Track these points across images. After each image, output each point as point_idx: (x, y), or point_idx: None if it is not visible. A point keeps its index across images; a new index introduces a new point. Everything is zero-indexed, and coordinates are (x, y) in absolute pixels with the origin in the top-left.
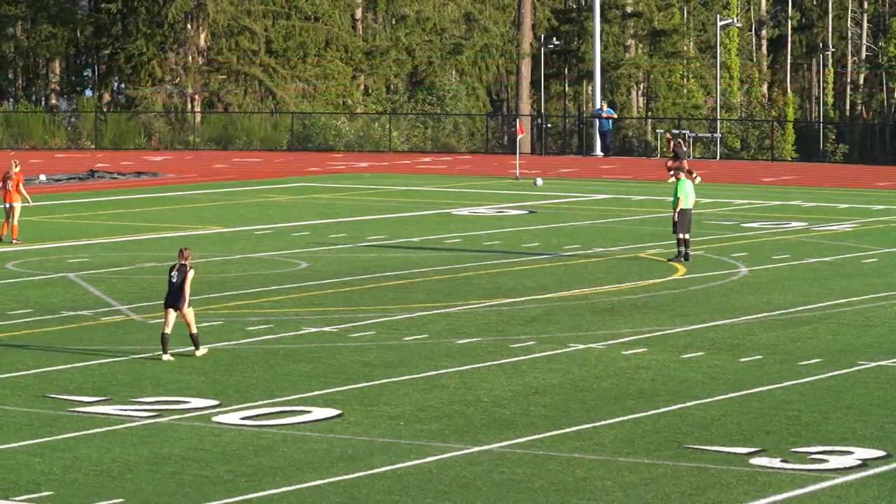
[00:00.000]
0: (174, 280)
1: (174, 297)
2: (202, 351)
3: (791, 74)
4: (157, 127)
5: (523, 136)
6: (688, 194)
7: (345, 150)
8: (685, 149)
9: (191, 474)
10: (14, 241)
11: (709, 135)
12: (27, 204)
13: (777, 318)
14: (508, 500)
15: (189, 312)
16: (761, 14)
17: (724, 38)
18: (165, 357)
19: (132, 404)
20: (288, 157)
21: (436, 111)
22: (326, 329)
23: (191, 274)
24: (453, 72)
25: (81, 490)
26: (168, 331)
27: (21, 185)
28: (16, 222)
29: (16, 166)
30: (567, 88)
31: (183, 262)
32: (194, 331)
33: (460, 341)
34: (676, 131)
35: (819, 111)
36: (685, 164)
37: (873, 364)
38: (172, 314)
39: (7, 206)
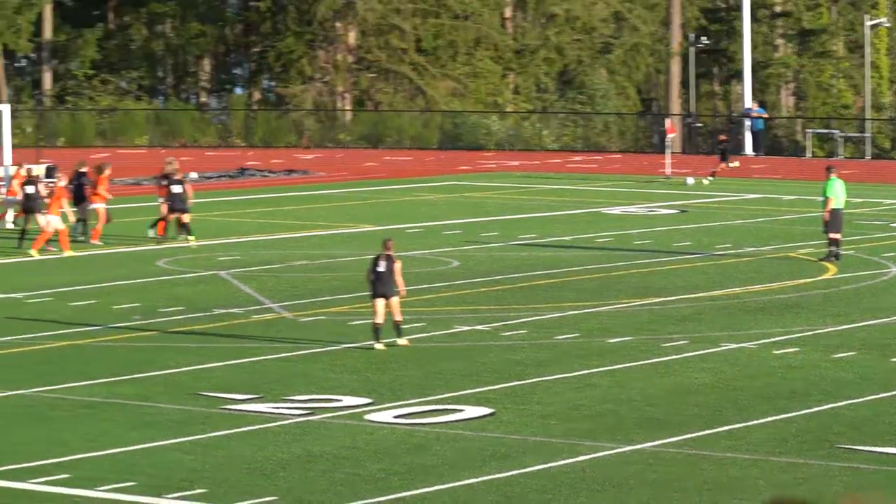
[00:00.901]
0: (381, 270)
1: (384, 287)
2: (403, 341)
3: None
4: (308, 125)
5: (673, 136)
6: (837, 194)
7: (495, 149)
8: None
9: (343, 472)
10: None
11: (858, 135)
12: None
13: None
14: (661, 500)
15: (396, 301)
16: None
17: (873, 37)
18: (378, 346)
19: (284, 402)
20: (438, 155)
21: (586, 110)
22: (478, 328)
23: (398, 263)
24: (603, 71)
25: (234, 488)
26: (380, 321)
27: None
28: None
29: (172, 163)
30: (717, 88)
31: (388, 253)
32: (399, 318)
33: (612, 340)
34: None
35: None
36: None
37: None
38: (382, 303)
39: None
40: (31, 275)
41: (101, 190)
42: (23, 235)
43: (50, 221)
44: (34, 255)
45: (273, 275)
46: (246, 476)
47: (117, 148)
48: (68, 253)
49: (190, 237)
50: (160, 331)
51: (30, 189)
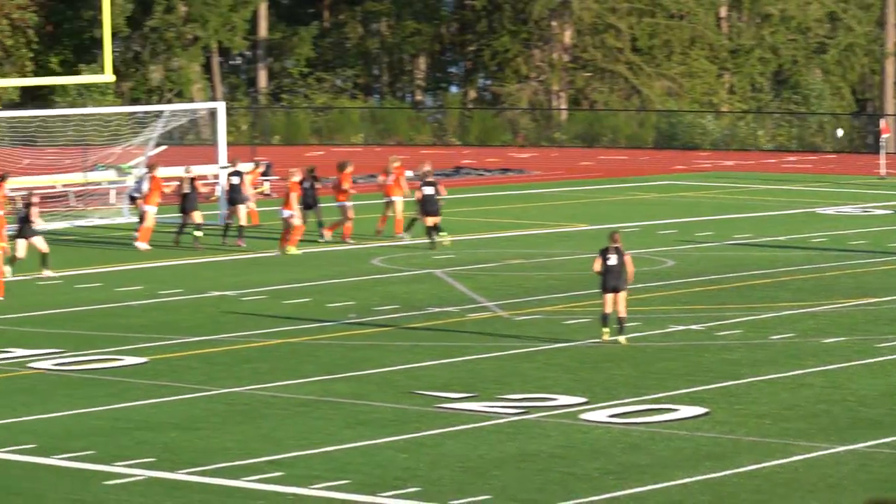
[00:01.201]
0: (612, 263)
1: (615, 280)
2: (623, 339)
3: None
4: (523, 124)
5: (888, 136)
6: None
7: (710, 149)
8: None
9: (558, 471)
10: (397, 235)
11: None
12: (408, 198)
13: None
14: None
15: (623, 296)
16: None
17: None
18: (605, 332)
19: (499, 401)
20: (654, 154)
21: (800, 110)
22: (693, 327)
23: (628, 256)
24: (818, 71)
25: (448, 486)
26: (609, 310)
27: (402, 179)
28: (399, 216)
29: (396, 161)
30: None
31: (616, 245)
32: (623, 314)
33: (826, 340)
34: None
35: None
36: None
37: None
38: (611, 297)
39: (387, 199)
40: (246, 273)
41: (346, 186)
42: (226, 231)
43: (293, 215)
44: (292, 251)
45: (488, 273)
46: (459, 474)
47: (332, 146)
48: (293, 251)
49: (443, 234)
50: (374, 329)
51: (235, 180)
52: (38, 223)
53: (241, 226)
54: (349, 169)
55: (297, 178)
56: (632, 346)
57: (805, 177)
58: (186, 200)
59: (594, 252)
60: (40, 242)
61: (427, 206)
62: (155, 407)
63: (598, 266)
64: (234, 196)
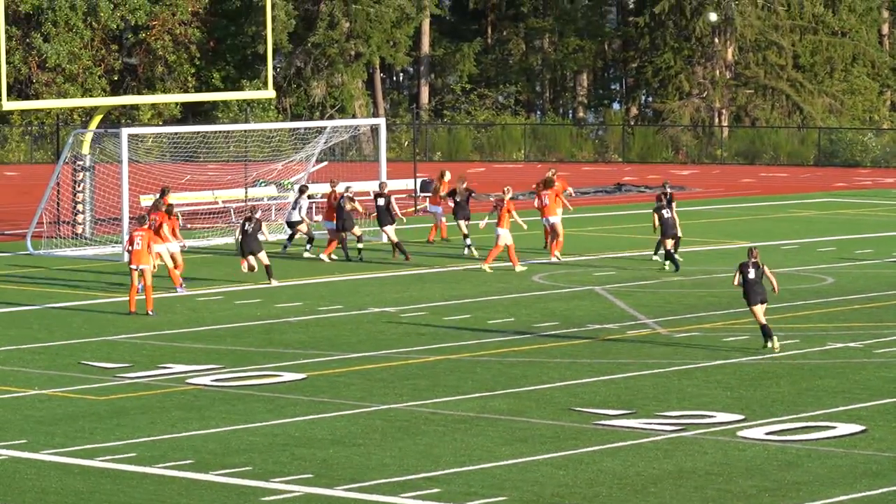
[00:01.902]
0: (752, 278)
1: (759, 293)
2: (776, 344)
3: None
4: (685, 141)
5: None
6: None
7: (871, 166)
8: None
9: (715, 489)
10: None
11: None
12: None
13: None
14: None
15: (763, 308)
16: None
17: None
18: (770, 345)
19: (657, 418)
20: (814, 172)
21: None
22: (852, 345)
23: (766, 267)
24: None
25: (605, 503)
26: (763, 321)
27: (560, 197)
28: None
29: (553, 174)
30: None
31: (755, 260)
32: (763, 321)
33: None
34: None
35: None
36: None
37: None
38: (760, 308)
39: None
40: (406, 289)
41: (551, 202)
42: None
43: (501, 236)
44: (486, 269)
45: (648, 290)
46: (617, 491)
47: (493, 163)
48: (519, 268)
49: (670, 262)
50: (534, 346)
51: (381, 202)
52: (264, 236)
53: (396, 242)
54: (557, 185)
55: (509, 195)
56: (789, 363)
57: None
58: (344, 216)
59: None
60: (263, 257)
61: (666, 229)
62: (313, 423)
63: (737, 280)
64: (380, 218)
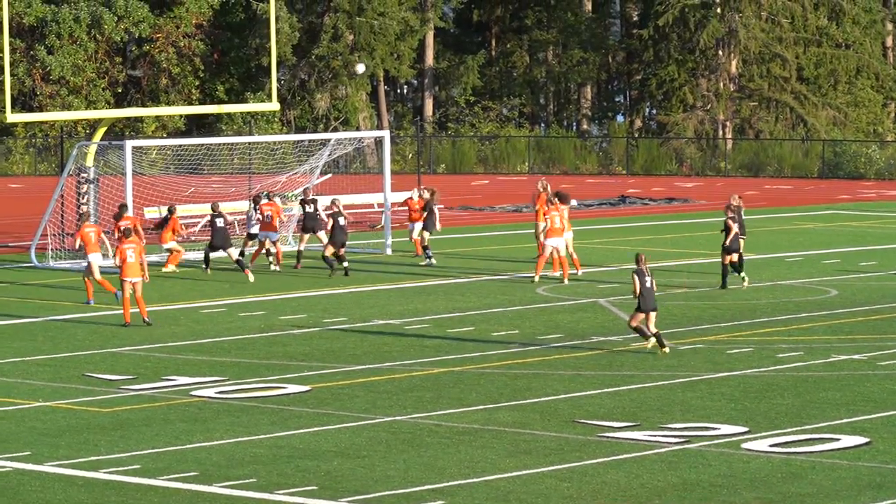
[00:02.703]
0: (648, 284)
1: (653, 300)
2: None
3: None
4: (689, 153)
5: None
6: None
7: (875, 178)
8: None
9: (719, 501)
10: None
11: None
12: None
13: None
14: None
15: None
16: None
17: None
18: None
19: (661, 430)
20: (819, 184)
21: None
22: (856, 357)
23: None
24: None
25: None
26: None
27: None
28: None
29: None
30: None
31: (646, 266)
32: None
33: None
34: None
35: None
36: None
37: None
38: (654, 315)
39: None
40: (410, 301)
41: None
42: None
43: (547, 245)
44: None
45: None
46: (621, 503)
47: (497, 175)
48: (578, 270)
49: (743, 276)
50: (538, 357)
51: (308, 209)
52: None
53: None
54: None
55: (574, 203)
56: (794, 375)
57: None
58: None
59: (760, 281)
60: (233, 252)
61: (734, 243)
62: (318, 435)
63: (638, 288)
64: (308, 224)
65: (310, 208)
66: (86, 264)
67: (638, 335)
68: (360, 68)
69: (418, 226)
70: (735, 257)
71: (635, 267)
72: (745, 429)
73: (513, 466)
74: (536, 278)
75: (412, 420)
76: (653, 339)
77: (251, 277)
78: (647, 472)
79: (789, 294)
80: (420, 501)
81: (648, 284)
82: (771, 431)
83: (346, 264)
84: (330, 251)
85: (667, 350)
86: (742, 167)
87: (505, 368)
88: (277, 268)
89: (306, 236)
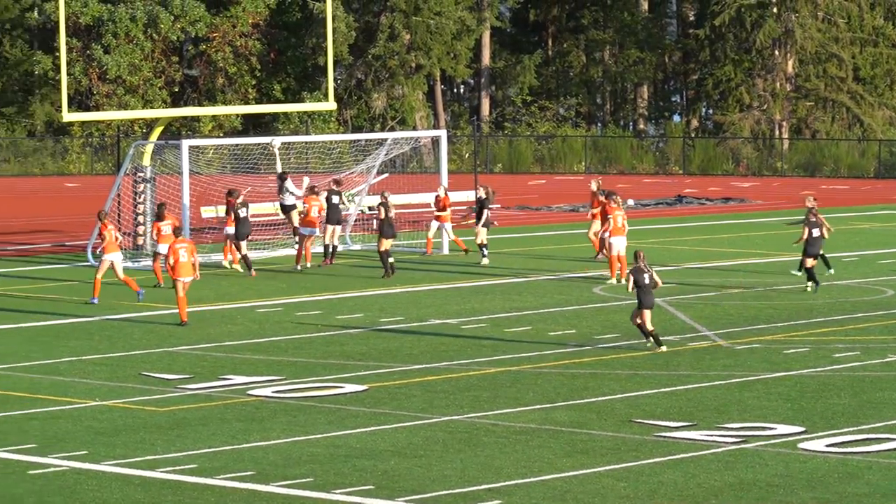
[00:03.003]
0: (646, 282)
1: (651, 298)
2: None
3: None
4: (745, 153)
5: None
6: None
7: None
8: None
9: (775, 500)
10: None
11: None
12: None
13: None
14: None
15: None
16: None
17: None
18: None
19: (718, 430)
20: (875, 184)
21: None
22: None
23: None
24: None
25: None
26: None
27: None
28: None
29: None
30: None
31: (644, 264)
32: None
33: None
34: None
35: None
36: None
37: None
38: (650, 313)
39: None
40: (467, 301)
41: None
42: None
43: (613, 244)
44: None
45: (709, 302)
46: (677, 503)
47: (554, 174)
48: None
49: (812, 282)
50: (595, 357)
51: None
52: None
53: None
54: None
55: (622, 204)
56: (851, 375)
57: None
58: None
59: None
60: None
61: (814, 247)
62: (374, 434)
63: (631, 287)
64: (332, 216)
65: (335, 200)
66: (107, 264)
67: (641, 333)
68: (277, 142)
69: (447, 226)
70: (810, 262)
71: (634, 265)
72: (802, 429)
73: (569, 466)
74: (614, 280)
75: (469, 419)
76: (652, 340)
77: (253, 273)
78: (704, 472)
79: (845, 294)
80: (477, 501)
81: (647, 281)
82: (827, 431)
83: (391, 260)
84: (385, 245)
85: (664, 349)
86: (798, 167)
87: (562, 368)
88: (299, 267)
89: (330, 228)
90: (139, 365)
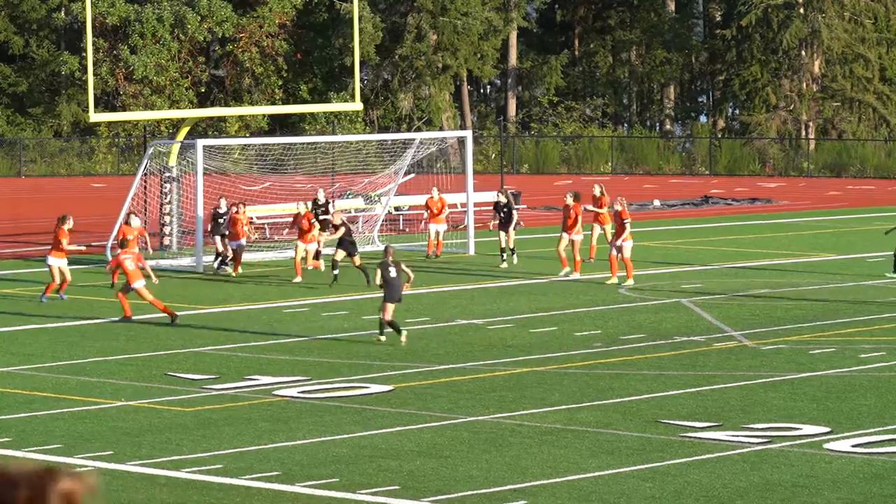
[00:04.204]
0: (393, 275)
1: (398, 291)
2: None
3: None
4: (772, 153)
5: None
6: None
7: None
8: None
9: (801, 501)
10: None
11: None
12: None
13: None
14: None
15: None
16: None
17: None
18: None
19: (744, 430)
20: None
21: None
22: None
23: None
24: None
25: None
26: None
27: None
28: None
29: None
30: None
31: (392, 259)
32: (391, 317)
33: None
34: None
35: None
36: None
37: None
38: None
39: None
40: (493, 301)
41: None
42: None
43: (624, 247)
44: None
45: (736, 303)
46: (703, 503)
47: (581, 175)
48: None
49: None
50: (621, 357)
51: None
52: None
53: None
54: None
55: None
56: (877, 375)
57: None
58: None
59: (840, 282)
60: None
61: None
62: (400, 435)
63: (379, 280)
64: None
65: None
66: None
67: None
68: (223, 206)
69: (440, 227)
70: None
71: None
72: (828, 429)
73: (595, 466)
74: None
75: (494, 420)
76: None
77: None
78: (730, 473)
79: (872, 294)
80: (502, 501)
81: (394, 275)
82: (853, 432)
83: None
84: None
85: (404, 337)
86: (825, 167)
87: (587, 368)
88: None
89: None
90: (165, 365)
